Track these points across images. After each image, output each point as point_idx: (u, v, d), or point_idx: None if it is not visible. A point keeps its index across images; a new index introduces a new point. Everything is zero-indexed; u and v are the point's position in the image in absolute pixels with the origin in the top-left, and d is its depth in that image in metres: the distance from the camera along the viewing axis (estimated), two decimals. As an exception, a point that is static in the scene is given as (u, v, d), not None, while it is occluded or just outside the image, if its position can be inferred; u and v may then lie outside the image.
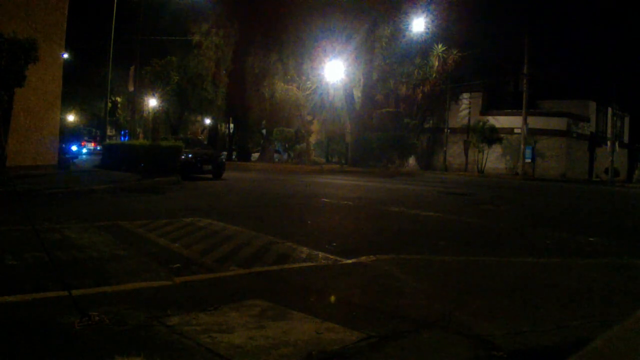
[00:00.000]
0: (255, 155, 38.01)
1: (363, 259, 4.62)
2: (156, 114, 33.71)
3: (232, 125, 41.05)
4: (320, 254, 4.89)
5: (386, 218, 8.20)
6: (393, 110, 32.62)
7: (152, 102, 32.86)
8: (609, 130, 37.36)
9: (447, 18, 28.47)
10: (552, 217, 9.54)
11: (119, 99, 50.49)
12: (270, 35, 30.42)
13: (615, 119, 38.00)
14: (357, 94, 31.26)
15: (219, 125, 40.30)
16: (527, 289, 3.82)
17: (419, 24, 28.21)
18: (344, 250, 5.10)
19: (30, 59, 9.94)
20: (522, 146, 29.59)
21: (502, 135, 32.07)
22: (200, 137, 23.38)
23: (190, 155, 16.45)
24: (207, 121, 38.37)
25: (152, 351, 2.40)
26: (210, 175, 16.73)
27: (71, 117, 52.31)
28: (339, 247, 5.37)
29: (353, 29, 28.22)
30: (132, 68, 22.65)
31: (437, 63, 31.46)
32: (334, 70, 28.46)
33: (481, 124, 32.52)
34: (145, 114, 34.09)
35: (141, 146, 16.98)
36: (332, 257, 4.79)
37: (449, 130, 34.18)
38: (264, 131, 37.56)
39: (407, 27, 29.07)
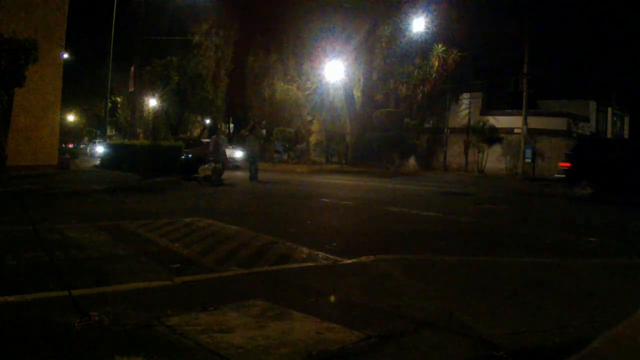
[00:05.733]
0: (255, 155, 37.98)
1: (363, 259, 4.62)
2: (156, 114, 33.73)
3: (232, 125, 41.08)
4: (320, 254, 4.89)
5: (386, 218, 8.20)
6: (393, 110, 32.59)
7: (152, 102, 32.88)
8: (609, 130, 37.34)
9: (447, 18, 28.45)
10: (551, 217, 9.54)
11: (119, 99, 50.47)
12: (270, 35, 30.45)
13: (615, 119, 37.97)
14: (357, 94, 31.25)
15: (219, 125, 40.30)
16: (527, 289, 3.82)
17: (419, 24, 28.19)
18: (344, 250, 5.10)
19: (30, 59, 9.94)
20: (522, 146, 29.58)
21: (502, 135, 32.04)
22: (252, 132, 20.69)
23: (190, 155, 16.46)
24: (207, 121, 38.38)
25: (152, 351, 2.40)
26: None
27: (71, 117, 52.30)
28: (339, 247, 5.36)
29: (353, 29, 28.23)
30: (132, 68, 22.65)
31: (437, 63, 31.41)
32: (334, 70, 28.46)
33: (481, 124, 32.49)
34: (145, 114, 34.10)
35: (141, 146, 17.00)
36: (332, 257, 4.79)
37: (449, 130, 34.15)
38: (264, 131, 37.58)
39: (407, 27, 29.05)
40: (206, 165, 14.26)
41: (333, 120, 33.99)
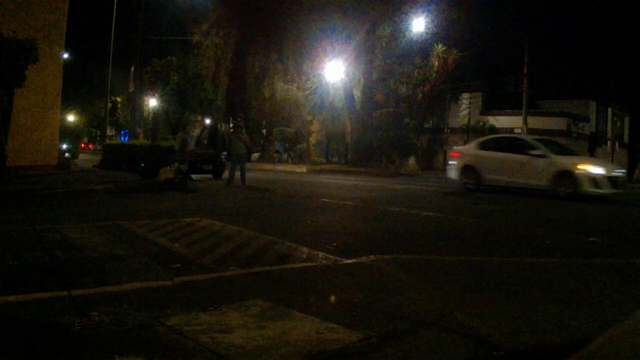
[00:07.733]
0: (256, 155, 38.02)
1: (363, 259, 4.62)
2: (156, 114, 33.77)
3: (232, 125, 41.03)
4: (320, 254, 4.88)
5: (386, 218, 8.19)
6: (393, 110, 32.60)
7: (152, 102, 32.94)
8: (609, 130, 37.37)
9: (447, 18, 28.45)
10: (551, 216, 9.53)
11: (119, 99, 50.55)
12: (270, 35, 30.39)
13: (615, 119, 38.00)
14: (357, 94, 31.26)
15: (219, 125, 40.28)
16: (527, 289, 3.82)
17: (419, 24, 28.21)
18: (344, 250, 5.10)
19: (30, 59, 9.96)
20: (522, 146, 29.56)
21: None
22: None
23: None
24: (207, 121, 38.38)
25: (152, 351, 2.40)
26: (210, 175, 16.73)
27: (71, 117, 52.34)
28: (339, 247, 5.36)
29: (353, 29, 28.21)
30: (132, 68, 22.69)
31: (437, 63, 31.43)
32: (334, 70, 28.46)
33: (481, 124, 32.55)
34: (145, 114, 34.15)
35: (141, 146, 17.02)
36: (332, 257, 4.79)
37: (449, 130, 34.18)
38: (264, 131, 37.57)
39: (407, 27, 29.06)
40: (168, 167, 12.27)
41: (333, 120, 34.00)
